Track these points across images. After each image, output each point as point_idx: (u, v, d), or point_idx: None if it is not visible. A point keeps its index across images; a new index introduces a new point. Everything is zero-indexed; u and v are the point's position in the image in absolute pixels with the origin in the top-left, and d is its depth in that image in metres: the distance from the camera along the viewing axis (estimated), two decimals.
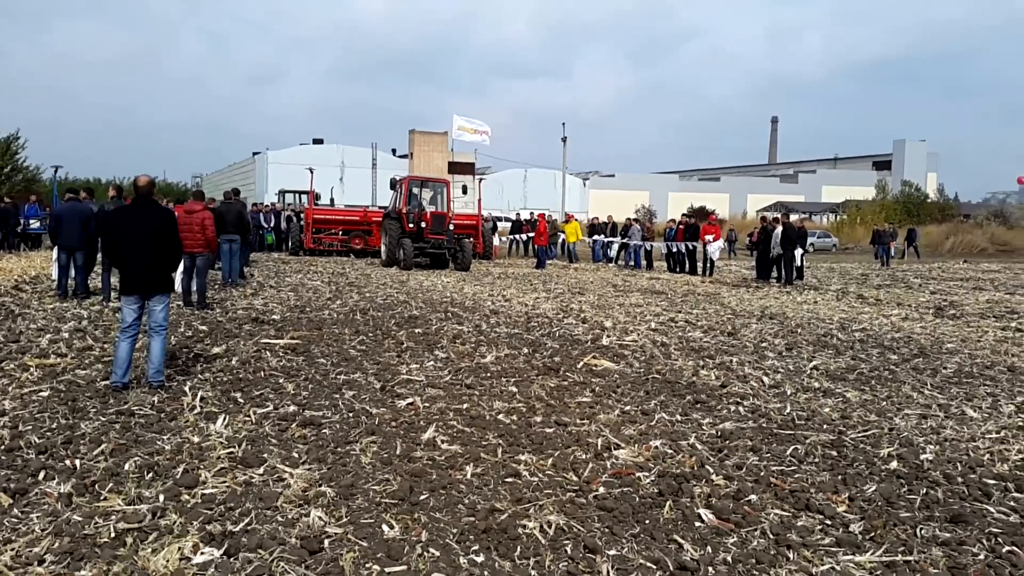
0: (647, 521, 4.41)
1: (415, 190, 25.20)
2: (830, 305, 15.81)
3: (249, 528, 4.18)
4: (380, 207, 34.37)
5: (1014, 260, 38.80)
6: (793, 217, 24.01)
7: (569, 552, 3.99)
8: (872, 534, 4.28)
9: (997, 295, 18.28)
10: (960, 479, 5.13)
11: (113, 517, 4.29)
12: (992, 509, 4.61)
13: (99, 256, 13.58)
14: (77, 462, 5.11)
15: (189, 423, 6.10)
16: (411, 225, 23.86)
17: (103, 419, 6.16)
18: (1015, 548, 4.06)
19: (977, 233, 48.33)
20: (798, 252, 20.66)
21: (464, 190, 26.23)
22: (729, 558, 3.97)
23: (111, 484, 4.76)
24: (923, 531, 4.31)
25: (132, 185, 7.60)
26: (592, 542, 4.08)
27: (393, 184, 25.91)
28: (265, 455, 5.33)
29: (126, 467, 5.06)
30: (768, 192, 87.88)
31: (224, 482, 4.82)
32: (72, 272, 13.23)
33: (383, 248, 25.16)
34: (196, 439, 5.67)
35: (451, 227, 24.43)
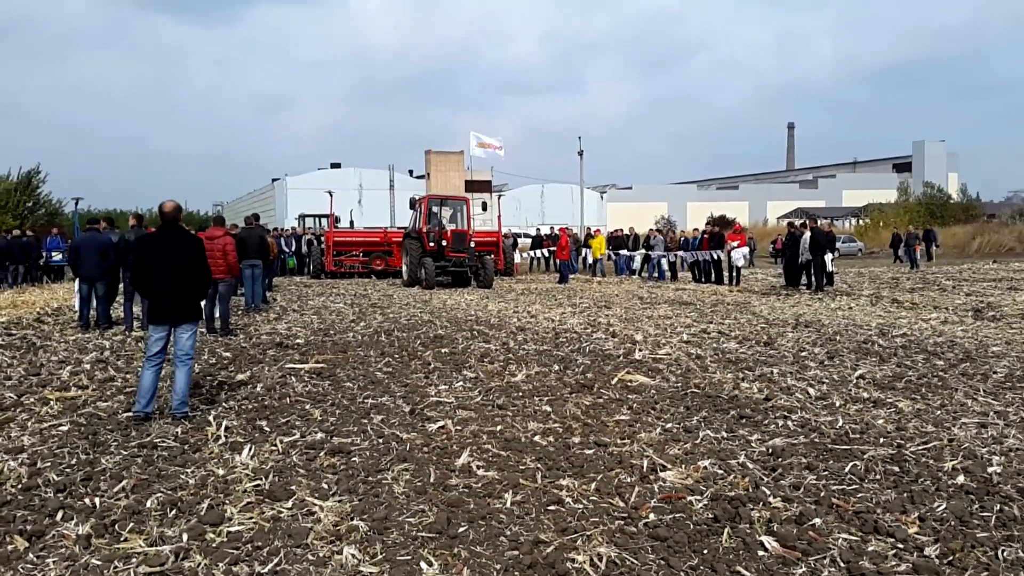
0: (705, 551, 4.09)
1: (435, 209, 25.05)
2: (865, 310, 15.39)
3: (278, 569, 3.91)
4: (399, 228, 34.33)
5: None
6: (822, 222, 23.51)
7: None
8: (951, 558, 3.93)
9: None
10: None
11: (134, 560, 4.03)
12: None
13: (120, 286, 13.48)
14: (97, 500, 4.87)
15: (214, 455, 5.85)
16: (432, 244, 23.64)
17: (124, 453, 5.93)
18: None
19: (1004, 232, 47.42)
20: (828, 257, 20.21)
21: (484, 207, 25.92)
22: None
23: (132, 523, 4.51)
24: (1005, 553, 3.96)
25: (158, 211, 7.39)
26: None
27: (412, 203, 25.71)
28: (293, 487, 5.06)
29: (148, 504, 4.81)
30: (788, 199, 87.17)
31: (251, 518, 4.56)
32: (94, 303, 13.10)
33: (404, 268, 24.83)
34: (221, 472, 5.42)
35: (472, 244, 24.13)
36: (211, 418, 6.85)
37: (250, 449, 5.88)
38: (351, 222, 43.17)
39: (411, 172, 76.19)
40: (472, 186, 70.24)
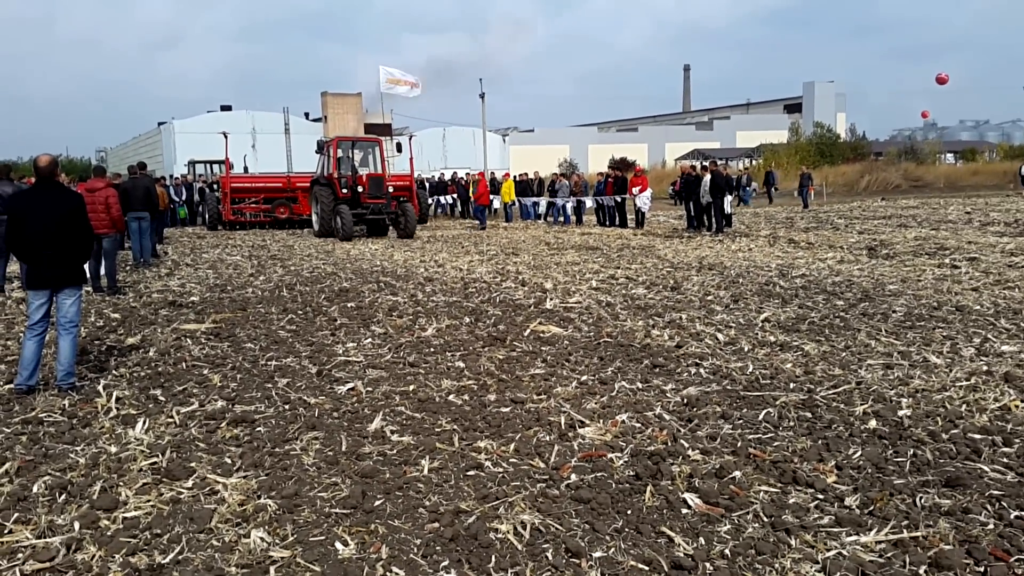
0: (629, 512, 4.01)
1: (346, 152, 22.98)
2: (764, 251, 15.73)
3: (180, 558, 3.63)
4: (296, 173, 33.00)
5: (928, 195, 39.88)
6: (719, 163, 23.87)
7: (551, 558, 3.56)
8: (871, 508, 3.96)
9: (923, 232, 18.52)
10: (944, 436, 4.87)
11: (20, 555, 3.69)
12: (986, 468, 4.35)
13: None
14: None
15: (105, 429, 5.45)
16: (344, 191, 21.86)
17: (7, 431, 5.48)
18: (1023, 514, 3.79)
19: (891, 170, 49.46)
20: (727, 199, 20.57)
21: (399, 148, 23.99)
22: (727, 551, 3.59)
23: (17, 512, 4.12)
24: (922, 500, 4.01)
25: (33, 167, 6.77)
26: (574, 544, 3.66)
27: (321, 146, 23.60)
28: (193, 463, 4.74)
29: (35, 489, 4.43)
30: (685, 140, 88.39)
31: (148, 501, 4.23)
32: None
33: (314, 217, 23.09)
34: (113, 449, 5.04)
35: (390, 190, 22.43)
36: (101, 388, 6.40)
37: (144, 422, 5.50)
38: (244, 167, 41.29)
39: (307, 115, 73.61)
40: (371, 129, 68.37)
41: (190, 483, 4.45)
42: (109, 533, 3.90)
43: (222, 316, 9.48)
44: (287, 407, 5.86)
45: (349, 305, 10.08)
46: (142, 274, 14.04)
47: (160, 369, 7.09)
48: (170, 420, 5.59)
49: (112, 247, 11.92)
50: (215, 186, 29.32)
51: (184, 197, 30.73)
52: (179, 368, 7.11)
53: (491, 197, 30.87)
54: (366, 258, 16.12)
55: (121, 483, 4.48)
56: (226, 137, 27.64)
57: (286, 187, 27.70)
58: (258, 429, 5.38)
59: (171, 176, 39.88)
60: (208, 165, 39.17)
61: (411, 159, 26.44)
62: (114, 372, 7.01)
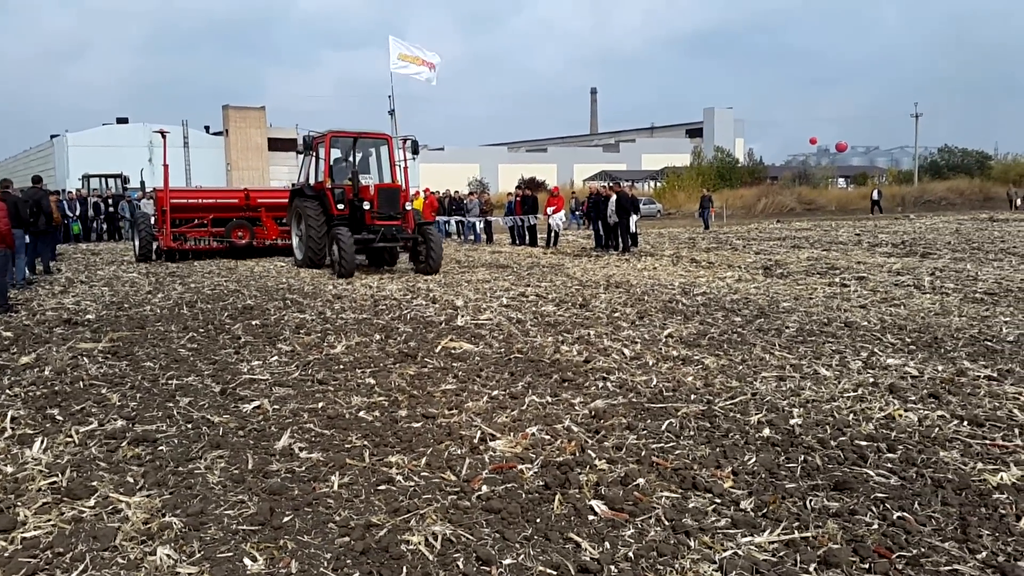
0: (538, 520, 4.11)
1: (344, 153, 17.54)
2: (668, 270, 16.20)
3: None
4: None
5: (821, 218, 41.76)
6: (624, 184, 24.46)
7: (462, 567, 3.62)
8: (764, 510, 4.17)
9: (815, 252, 19.42)
10: (833, 443, 5.16)
11: None
12: (871, 473, 4.63)
13: None
14: None
15: (1, 450, 5.24)
16: (341, 206, 16.55)
17: None
18: (905, 514, 4.05)
19: (786, 194, 51.70)
20: (633, 219, 21.11)
21: (415, 149, 17.81)
22: (630, 553, 3.73)
23: None
24: (812, 502, 4.25)
25: None
26: (485, 552, 3.73)
27: (308, 144, 17.49)
28: (95, 482, 4.61)
29: None
30: (592, 161, 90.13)
31: (49, 520, 4.10)
32: None
33: (296, 241, 17.83)
34: (10, 469, 4.86)
35: (408, 207, 17.32)
36: None
37: (42, 441, 5.31)
38: (142, 183, 39.71)
39: (207, 128, 71.92)
40: (276, 144, 67.23)
41: (92, 502, 4.33)
42: (7, 554, 3.76)
43: (119, 334, 9.19)
44: (190, 426, 5.74)
45: (254, 323, 9.92)
46: (35, 291, 13.47)
47: (56, 388, 6.84)
48: (69, 439, 5.41)
49: (3, 263, 11.42)
50: (110, 202, 28.03)
51: (78, 212, 29.58)
52: (76, 387, 6.86)
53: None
54: (272, 275, 15.85)
55: (19, 503, 4.33)
56: (164, 137, 21.22)
57: (243, 204, 21.55)
58: (160, 448, 5.26)
59: (63, 191, 38.31)
60: (103, 179, 37.75)
61: (405, 167, 18.29)
62: (8, 392, 6.72)
